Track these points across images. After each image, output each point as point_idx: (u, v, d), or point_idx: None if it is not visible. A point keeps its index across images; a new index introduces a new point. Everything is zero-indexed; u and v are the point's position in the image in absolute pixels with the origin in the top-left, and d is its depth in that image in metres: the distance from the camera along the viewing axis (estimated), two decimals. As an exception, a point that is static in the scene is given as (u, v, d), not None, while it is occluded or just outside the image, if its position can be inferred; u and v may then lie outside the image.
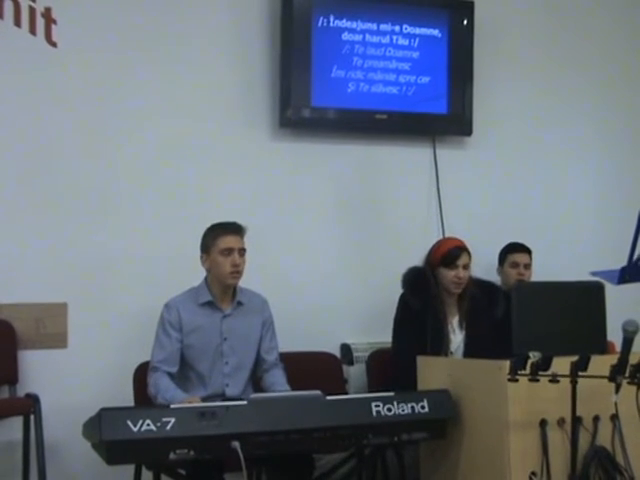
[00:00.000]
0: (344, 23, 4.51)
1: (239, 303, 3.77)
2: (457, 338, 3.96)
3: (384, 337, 4.27)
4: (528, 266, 4.55)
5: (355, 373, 4.41)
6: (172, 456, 3.03)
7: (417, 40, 4.66)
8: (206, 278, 3.76)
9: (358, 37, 4.54)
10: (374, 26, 4.57)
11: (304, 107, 4.45)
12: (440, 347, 3.88)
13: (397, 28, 4.62)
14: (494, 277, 4.49)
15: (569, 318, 3.39)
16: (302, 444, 3.20)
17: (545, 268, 4.59)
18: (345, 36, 4.52)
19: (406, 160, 4.74)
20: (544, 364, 3.01)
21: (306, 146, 4.55)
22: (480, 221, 4.78)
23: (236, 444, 3.04)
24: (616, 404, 3.01)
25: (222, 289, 3.73)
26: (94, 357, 4.11)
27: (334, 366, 4.31)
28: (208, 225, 3.75)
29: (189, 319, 3.69)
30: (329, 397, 3.27)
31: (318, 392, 3.26)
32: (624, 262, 2.85)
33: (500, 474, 3.27)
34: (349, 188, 4.65)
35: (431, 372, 3.66)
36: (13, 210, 4.06)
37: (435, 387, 3.53)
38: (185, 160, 4.33)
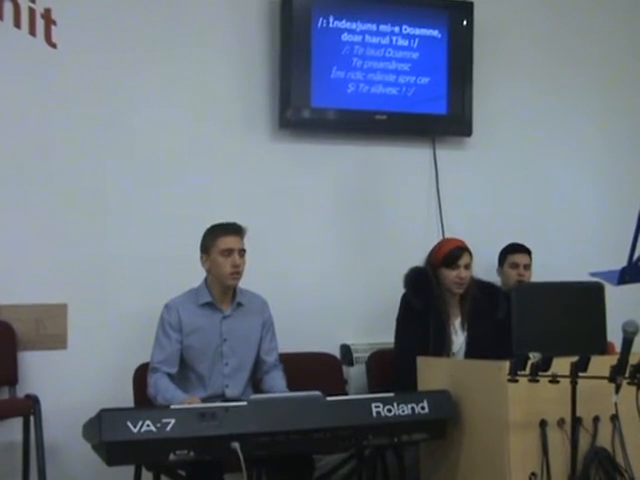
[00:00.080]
0: (344, 24, 4.51)
1: (239, 304, 3.77)
2: (459, 339, 3.96)
3: (384, 338, 4.27)
4: (528, 267, 4.55)
5: (355, 374, 4.40)
6: (172, 457, 3.03)
7: (417, 41, 4.66)
8: (206, 279, 3.76)
9: (358, 38, 4.54)
10: (374, 27, 4.57)
11: (304, 108, 4.45)
12: (442, 348, 3.88)
13: (397, 29, 4.61)
14: (494, 278, 4.49)
15: (569, 319, 3.39)
16: (302, 445, 3.20)
17: (545, 269, 4.59)
18: (345, 37, 4.52)
19: (406, 161, 4.75)
20: (544, 365, 3.01)
21: (306, 147, 4.55)
22: (480, 221, 4.78)
23: (236, 445, 3.04)
24: (616, 405, 3.01)
25: (222, 290, 3.73)
26: (94, 358, 4.11)
27: (334, 367, 4.31)
28: (208, 226, 3.75)
29: (189, 320, 3.69)
30: (329, 398, 3.27)
31: (318, 393, 3.26)
32: (624, 263, 2.85)
33: (500, 475, 3.27)
34: (349, 189, 4.65)
35: (431, 373, 3.66)
36: (13, 211, 4.06)
37: (435, 388, 3.53)
38: (185, 161, 4.33)
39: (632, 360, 2.93)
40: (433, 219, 4.78)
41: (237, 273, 3.68)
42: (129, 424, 2.97)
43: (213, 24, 4.42)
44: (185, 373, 3.71)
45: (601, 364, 2.98)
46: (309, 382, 3.50)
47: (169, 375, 3.63)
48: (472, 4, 4.75)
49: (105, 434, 2.95)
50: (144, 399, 3.66)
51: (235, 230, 3.71)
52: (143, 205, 4.25)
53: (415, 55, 4.66)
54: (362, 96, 4.56)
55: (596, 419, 3.34)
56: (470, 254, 3.97)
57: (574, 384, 3.01)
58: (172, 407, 3.15)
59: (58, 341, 4.10)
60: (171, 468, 3.41)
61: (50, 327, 4.09)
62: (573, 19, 5.14)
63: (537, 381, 3.03)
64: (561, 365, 3.02)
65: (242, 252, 3.69)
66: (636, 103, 5.27)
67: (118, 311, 4.16)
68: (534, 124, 5.03)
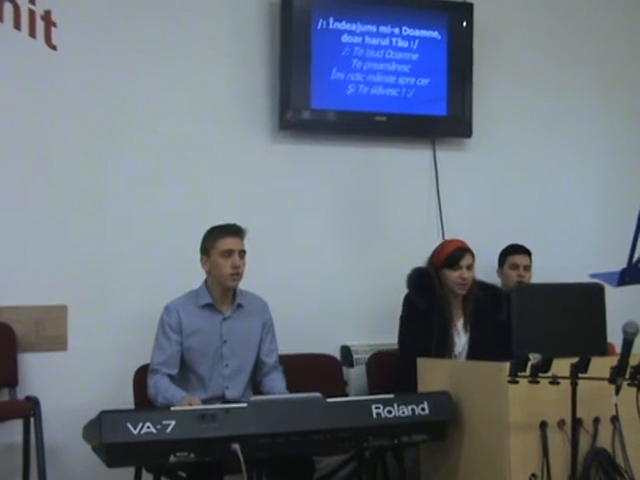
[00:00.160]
0: (344, 25, 4.51)
1: (239, 305, 3.77)
2: (461, 341, 3.96)
3: (384, 339, 4.28)
4: (528, 268, 4.55)
5: (355, 375, 4.40)
6: (172, 459, 3.03)
7: (416, 42, 4.66)
8: (206, 280, 3.76)
9: (358, 39, 4.54)
10: (373, 28, 4.57)
11: (304, 109, 4.45)
12: (444, 349, 3.87)
13: (396, 30, 4.62)
14: (494, 279, 4.49)
15: (569, 320, 3.39)
16: (302, 446, 3.20)
17: (545, 270, 4.59)
18: (345, 38, 4.52)
19: (406, 162, 4.75)
20: (544, 366, 3.01)
21: (306, 148, 4.55)
22: (480, 223, 4.78)
23: (236, 446, 3.04)
24: (616, 406, 3.01)
25: (222, 291, 3.73)
26: (94, 360, 4.11)
27: (334, 368, 4.31)
28: (208, 227, 3.75)
29: (189, 321, 3.69)
30: (329, 399, 3.27)
31: (318, 394, 3.26)
32: (624, 264, 2.85)
33: (500, 476, 3.27)
34: (349, 190, 4.65)
35: (431, 374, 3.65)
36: (13, 213, 4.06)
37: (435, 389, 3.52)
38: (185, 162, 4.33)
39: (632, 361, 2.93)
40: (433, 220, 4.78)
41: (237, 274, 3.68)
42: (129, 426, 2.97)
43: (213, 26, 4.42)
44: (185, 375, 3.71)
45: (601, 365, 2.98)
46: (309, 383, 3.50)
47: (169, 376, 3.62)
48: (472, 5, 4.75)
49: (105, 436, 2.95)
50: (144, 401, 3.66)
51: (235, 231, 3.71)
52: (143, 207, 4.25)
53: (415, 56, 4.66)
54: (362, 97, 4.56)
55: (596, 420, 3.34)
56: (472, 255, 3.97)
57: (574, 385, 3.01)
58: (172, 409, 3.14)
59: (58, 343, 4.10)
60: (171, 470, 3.41)
61: (50, 329, 4.09)
62: (573, 20, 5.14)
63: (537, 382, 3.03)
64: (561, 366, 3.02)
65: (242, 253, 3.70)
66: (636, 104, 5.27)
67: (118, 313, 4.16)
68: (534, 125, 5.03)
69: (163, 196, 4.28)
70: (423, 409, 3.35)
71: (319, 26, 4.46)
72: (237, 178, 4.42)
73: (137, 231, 4.23)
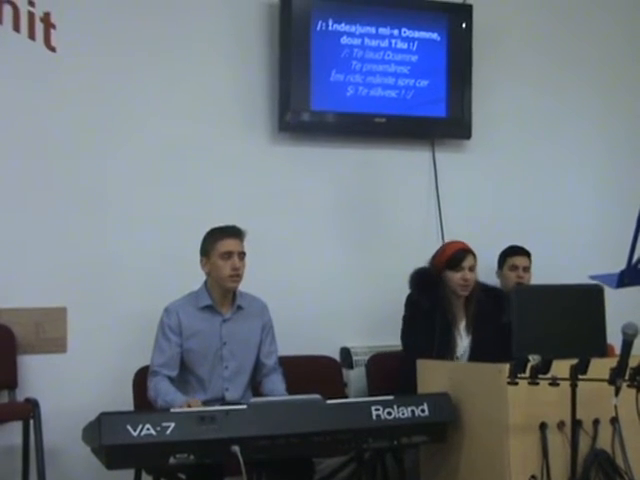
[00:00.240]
0: (343, 27, 4.51)
1: (239, 307, 3.77)
2: (463, 343, 3.95)
3: (384, 340, 4.28)
4: (527, 269, 4.56)
5: (355, 377, 4.40)
6: (172, 460, 3.03)
7: (416, 44, 4.66)
8: (206, 282, 3.76)
9: (357, 41, 4.54)
10: (373, 30, 4.58)
11: (303, 111, 4.45)
12: (446, 351, 3.87)
13: (396, 32, 4.62)
14: (493, 280, 4.49)
15: (569, 321, 3.39)
16: (302, 448, 3.20)
17: (544, 271, 4.59)
18: (344, 40, 4.52)
19: (405, 164, 4.75)
20: (544, 367, 3.01)
21: (305, 150, 4.55)
22: (479, 224, 4.77)
23: (236, 448, 3.04)
24: (616, 407, 3.01)
25: (222, 293, 3.73)
26: (94, 361, 4.11)
27: (334, 370, 4.31)
28: (208, 229, 3.75)
29: (189, 323, 3.69)
30: (329, 401, 3.27)
31: (318, 396, 3.26)
32: (623, 265, 2.85)
33: (500, 477, 3.27)
34: (348, 192, 4.65)
35: (431, 375, 3.65)
36: (12, 214, 4.06)
37: (435, 390, 3.52)
38: (184, 164, 4.33)
39: (632, 362, 2.93)
40: (433, 222, 4.78)
41: (237, 276, 3.68)
42: (129, 428, 2.96)
43: (212, 27, 4.42)
44: (185, 376, 3.71)
45: (601, 366, 2.97)
46: (309, 385, 3.51)
47: (169, 378, 3.63)
48: (471, 7, 4.75)
49: (105, 438, 2.95)
50: (144, 402, 3.66)
51: (235, 233, 3.71)
52: (143, 208, 4.25)
53: (414, 58, 4.66)
54: (361, 99, 4.56)
55: (596, 422, 3.34)
56: (474, 256, 3.97)
57: (574, 387, 3.01)
58: (172, 411, 3.14)
59: (58, 344, 4.10)
60: (171, 472, 3.41)
61: (50, 330, 4.09)
62: (572, 21, 5.14)
63: (537, 384, 3.03)
64: (561, 368, 3.02)
65: (242, 255, 3.70)
66: (636, 105, 5.27)
67: (118, 314, 4.16)
68: (533, 126, 5.03)
69: (163, 198, 4.28)
70: (423, 410, 3.35)
71: (318, 28, 4.47)
72: (237, 180, 4.42)
73: (136, 233, 4.23)
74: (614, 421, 3.30)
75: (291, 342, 4.04)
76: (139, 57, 4.27)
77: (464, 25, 4.73)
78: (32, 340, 4.06)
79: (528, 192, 5.01)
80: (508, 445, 3.25)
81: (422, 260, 4.03)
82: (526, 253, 4.58)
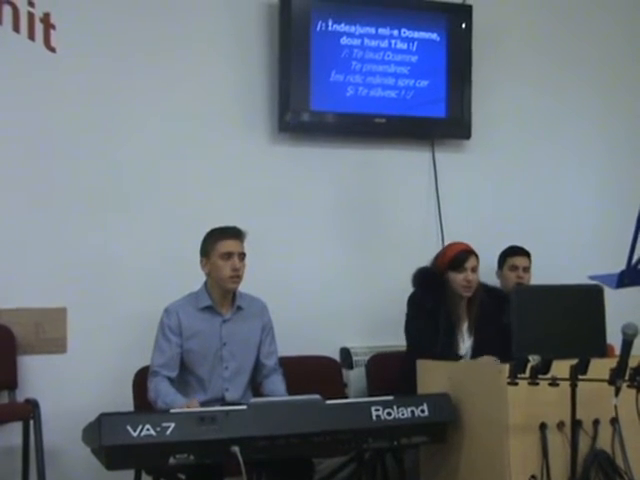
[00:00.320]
0: (343, 27, 4.51)
1: (239, 308, 3.77)
2: (466, 344, 3.95)
3: (384, 341, 4.28)
4: (527, 269, 4.55)
5: (355, 377, 4.40)
6: (172, 461, 3.03)
7: (416, 44, 4.66)
8: (206, 283, 3.76)
9: (357, 41, 4.54)
10: (372, 30, 4.57)
11: (303, 111, 4.45)
12: (449, 352, 3.86)
13: (395, 32, 4.62)
14: (493, 280, 4.49)
15: (569, 321, 3.39)
16: (302, 448, 3.20)
17: (544, 271, 4.59)
18: (344, 40, 4.52)
19: (405, 164, 4.75)
20: (544, 367, 3.01)
21: (305, 150, 4.55)
22: (479, 224, 4.77)
23: (236, 449, 3.04)
24: (616, 407, 3.01)
25: (222, 293, 3.73)
26: (94, 362, 4.11)
27: (334, 370, 4.31)
28: (208, 229, 3.75)
29: (189, 324, 3.69)
30: (329, 401, 3.27)
31: (318, 396, 3.26)
32: (623, 266, 2.85)
33: (500, 478, 3.27)
34: (348, 192, 4.65)
35: (431, 375, 3.65)
36: (12, 214, 4.06)
37: (435, 391, 3.52)
38: (184, 164, 4.33)
39: (632, 363, 2.93)
40: (433, 222, 4.77)
41: (237, 277, 3.68)
42: (129, 428, 2.96)
43: (212, 28, 4.42)
44: (185, 377, 3.71)
45: (601, 367, 2.97)
46: (309, 385, 3.51)
47: (169, 379, 3.63)
48: (471, 7, 4.75)
49: (105, 438, 2.95)
50: (144, 403, 3.66)
51: (235, 234, 3.71)
52: (143, 209, 4.25)
53: (414, 58, 4.66)
54: (361, 99, 4.56)
55: (596, 422, 3.34)
56: (476, 257, 3.96)
57: (574, 387, 3.01)
58: (172, 411, 3.15)
59: (58, 345, 4.10)
60: (171, 472, 3.41)
61: (50, 331, 4.09)
62: (572, 21, 5.14)
63: (537, 384, 3.03)
64: (561, 368, 3.02)
65: (242, 256, 3.70)
66: (636, 105, 5.27)
67: (118, 315, 4.16)
68: (533, 127, 5.03)
69: (162, 198, 4.28)
70: (423, 411, 3.35)
71: (318, 28, 4.47)
72: (237, 180, 4.42)
73: (136, 233, 4.23)
74: (614, 421, 3.30)
75: (291, 342, 4.05)
76: (139, 57, 4.27)
77: (464, 25, 4.73)
78: (32, 340, 4.06)
79: (528, 192, 5.01)
80: (508, 445, 3.25)
81: (422, 260, 4.03)
82: (526, 253, 4.58)
